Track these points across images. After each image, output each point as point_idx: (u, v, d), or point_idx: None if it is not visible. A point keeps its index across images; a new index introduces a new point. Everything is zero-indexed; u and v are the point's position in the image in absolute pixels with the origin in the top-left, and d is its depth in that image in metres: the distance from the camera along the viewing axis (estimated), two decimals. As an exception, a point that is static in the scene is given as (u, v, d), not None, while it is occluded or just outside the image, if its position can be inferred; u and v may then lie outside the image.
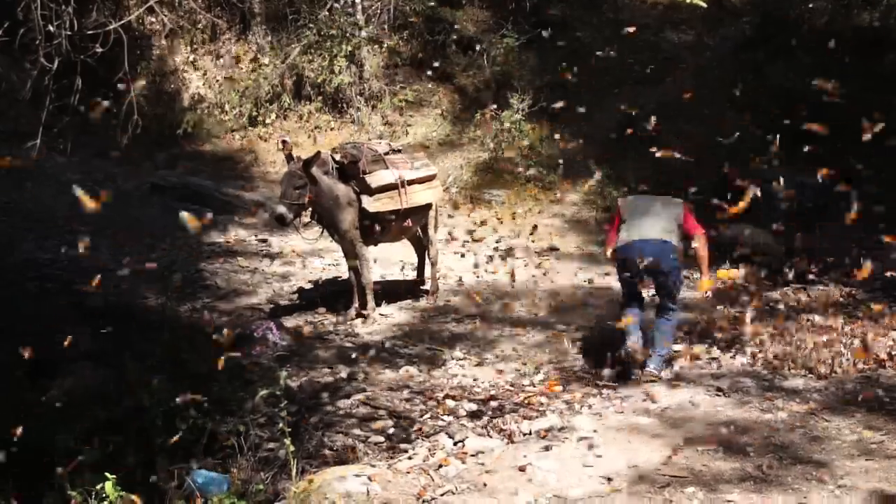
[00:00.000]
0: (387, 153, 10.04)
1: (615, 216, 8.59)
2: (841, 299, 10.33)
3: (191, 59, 16.91)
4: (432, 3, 17.24)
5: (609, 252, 8.47)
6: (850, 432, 6.53)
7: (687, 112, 14.65)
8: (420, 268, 11.08)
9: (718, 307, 9.98)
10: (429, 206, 10.35)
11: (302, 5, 16.85)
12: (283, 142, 9.61)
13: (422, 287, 10.86)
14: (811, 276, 10.98)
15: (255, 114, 16.22)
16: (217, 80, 16.75)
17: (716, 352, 8.65)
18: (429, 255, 10.72)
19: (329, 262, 11.48)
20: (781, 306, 10.12)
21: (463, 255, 12.41)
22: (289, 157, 9.30)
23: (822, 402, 7.12)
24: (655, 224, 8.05)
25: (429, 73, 16.48)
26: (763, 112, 13.99)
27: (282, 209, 9.00)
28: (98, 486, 5.27)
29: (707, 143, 12.31)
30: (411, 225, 10.22)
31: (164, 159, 15.24)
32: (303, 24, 16.68)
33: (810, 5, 16.59)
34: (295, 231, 9.87)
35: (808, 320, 9.37)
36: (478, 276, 11.48)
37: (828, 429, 6.60)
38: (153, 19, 16.63)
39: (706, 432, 6.54)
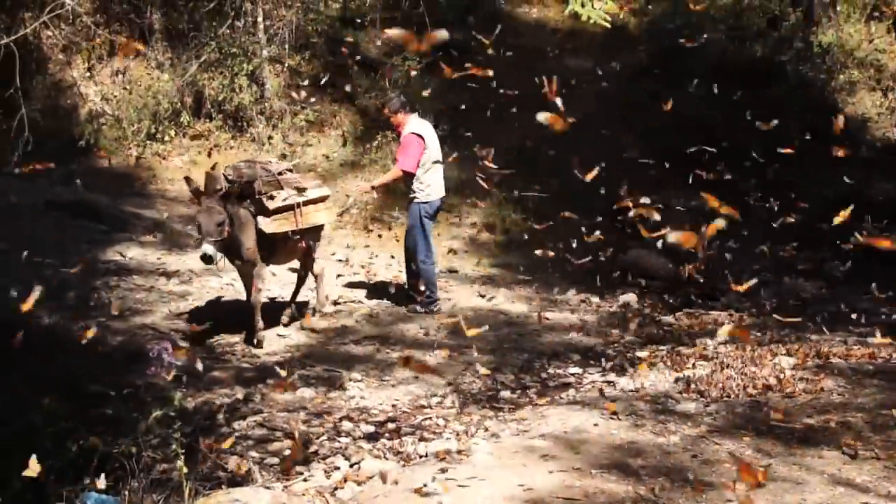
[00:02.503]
0: (280, 173, 9.93)
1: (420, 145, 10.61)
2: (732, 324, 10.54)
3: (87, 74, 16.65)
4: (333, 24, 17.24)
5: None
6: (739, 455, 6.65)
7: (583, 138, 14.84)
8: (298, 288, 10.88)
9: (614, 331, 10.11)
10: (321, 226, 10.37)
11: (203, 22, 16.71)
12: (187, 179, 9.28)
13: (306, 307, 10.83)
14: (702, 301, 11.22)
15: (153, 130, 16.01)
16: (115, 96, 16.50)
17: (611, 375, 8.76)
18: (313, 272, 10.69)
19: (226, 282, 11.37)
20: (675, 331, 10.32)
21: (361, 277, 12.40)
22: (196, 193, 9.00)
23: (714, 426, 7.24)
24: None
25: (329, 89, 16.45)
26: (658, 138, 14.26)
27: (209, 249, 8.68)
28: (-16, 510, 5.15)
29: (604, 169, 12.48)
30: (303, 245, 10.10)
31: (60, 175, 14.96)
32: (204, 42, 16.54)
33: (705, 36, 17.00)
34: (216, 269, 9.56)
35: (700, 344, 9.57)
36: (379, 299, 11.47)
37: (718, 452, 6.71)
38: (49, 33, 16.35)
39: (601, 455, 6.60)
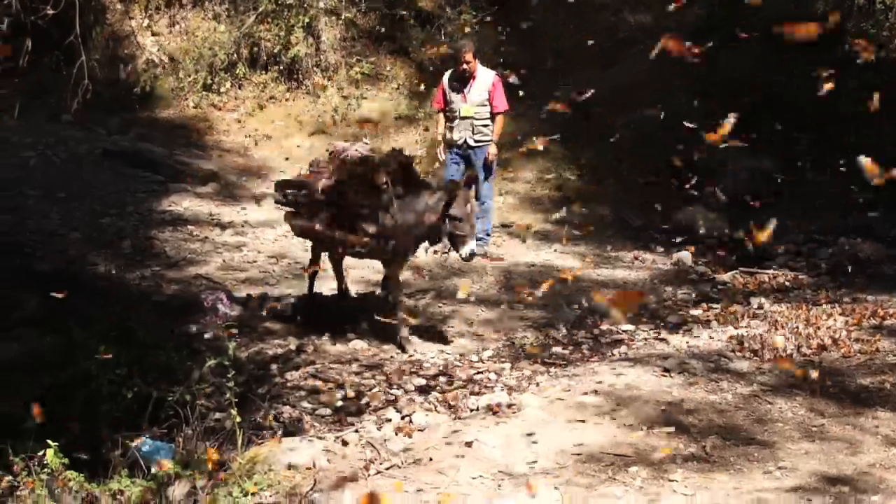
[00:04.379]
0: None
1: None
2: (787, 283, 10.45)
3: (145, 24, 16.72)
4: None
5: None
6: (792, 415, 6.61)
7: (640, 95, 14.70)
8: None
9: (667, 288, 10.06)
10: None
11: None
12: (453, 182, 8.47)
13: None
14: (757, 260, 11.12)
15: (209, 82, 16.07)
16: (172, 47, 16.57)
17: (664, 333, 8.73)
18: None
19: (281, 233, 11.41)
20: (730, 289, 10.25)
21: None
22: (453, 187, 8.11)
23: (767, 385, 7.19)
24: None
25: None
26: (714, 97, 14.07)
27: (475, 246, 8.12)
28: (40, 454, 5.23)
29: (656, 127, 12.38)
30: None
31: (117, 125, 15.09)
32: (261, -7, 16.53)
33: (766, -8, 16.67)
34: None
35: (755, 304, 9.50)
36: (433, 253, 11.47)
37: (770, 411, 6.68)
38: (108, -18, 16.44)
39: (652, 412, 6.58)
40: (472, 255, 8.02)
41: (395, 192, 8.08)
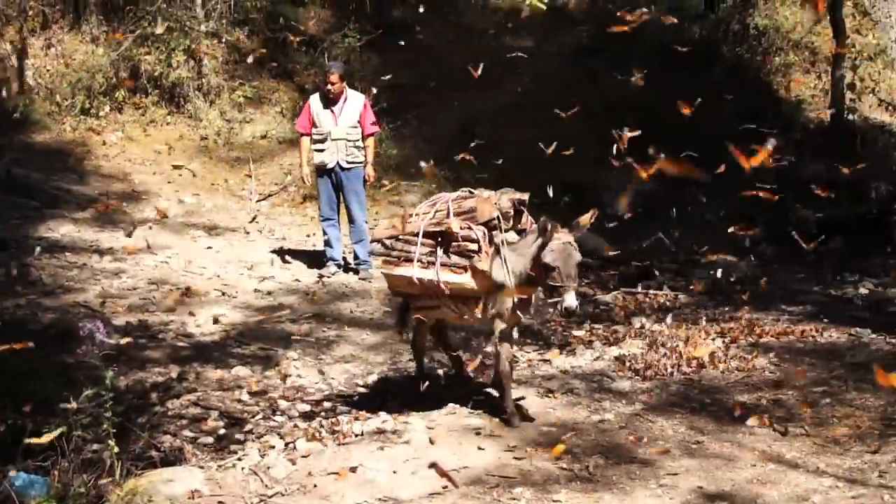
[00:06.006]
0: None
1: None
2: (667, 303, 10.64)
3: (20, 47, 16.35)
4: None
5: None
6: (672, 433, 6.72)
7: (524, 116, 14.87)
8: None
9: (550, 309, 10.15)
10: None
11: (139, -4, 16.47)
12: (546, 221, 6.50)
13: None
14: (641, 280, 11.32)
15: (87, 106, 15.76)
16: (48, 70, 16.22)
17: (547, 354, 8.80)
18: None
19: (161, 260, 11.25)
20: (612, 309, 10.40)
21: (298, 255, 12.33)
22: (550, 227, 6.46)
23: (648, 404, 7.30)
24: None
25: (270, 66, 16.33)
26: (597, 119, 14.30)
27: (576, 300, 6.42)
28: None
29: (543, 147, 12.51)
30: None
31: (-9, 150, 14.73)
32: (140, 16, 16.29)
33: (645, 17, 17.01)
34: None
35: (637, 324, 9.65)
36: (319, 277, 11.39)
37: (652, 430, 6.77)
38: (-20, 5, 16.06)
39: (537, 433, 6.63)
40: (573, 311, 6.39)
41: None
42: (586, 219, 6.59)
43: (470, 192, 7.20)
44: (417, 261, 7.00)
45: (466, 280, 6.80)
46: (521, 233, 6.86)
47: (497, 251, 6.73)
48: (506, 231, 6.83)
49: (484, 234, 6.77)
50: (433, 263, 6.91)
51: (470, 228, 6.80)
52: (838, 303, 10.60)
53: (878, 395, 7.32)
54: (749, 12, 17.72)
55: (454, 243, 6.84)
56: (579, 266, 6.44)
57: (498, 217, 6.80)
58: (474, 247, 6.76)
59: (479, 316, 6.99)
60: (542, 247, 6.43)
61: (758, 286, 10.27)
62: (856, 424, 6.83)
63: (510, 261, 6.68)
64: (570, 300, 6.30)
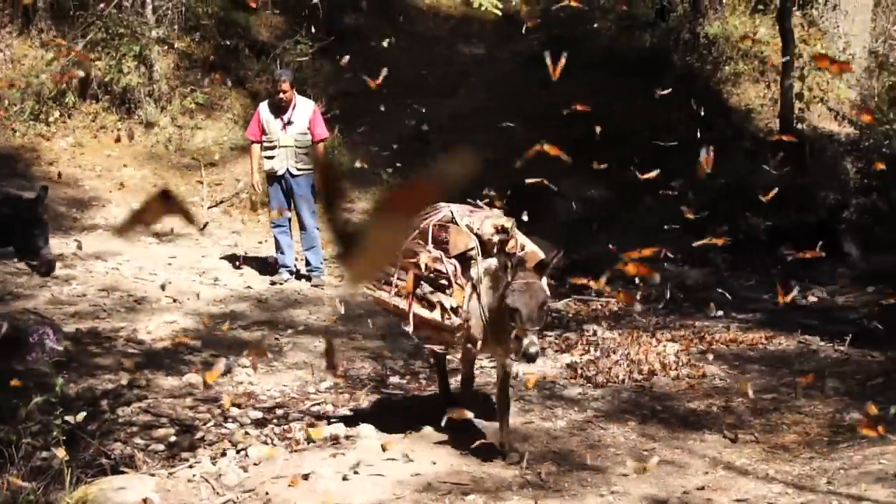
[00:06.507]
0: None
1: None
2: (619, 310, 10.70)
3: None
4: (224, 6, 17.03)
5: None
6: (624, 440, 6.77)
7: (477, 123, 14.91)
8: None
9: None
10: None
11: (89, 1, 16.32)
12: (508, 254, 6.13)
13: None
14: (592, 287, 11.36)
15: (37, 111, 15.61)
16: (-4, 75, 16.06)
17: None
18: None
19: (112, 266, 11.17)
20: (564, 316, 10.45)
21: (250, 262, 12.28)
22: (510, 264, 5.99)
23: (600, 411, 7.35)
24: None
25: (217, 75, 16.23)
26: (548, 126, 14.38)
27: (538, 346, 5.91)
28: None
29: (498, 155, 12.56)
30: None
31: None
32: (90, 21, 16.16)
33: (595, 25, 17.16)
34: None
35: (589, 331, 9.70)
36: (272, 284, 11.35)
37: (604, 437, 6.82)
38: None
39: (489, 440, 6.64)
40: (534, 358, 5.84)
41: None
42: (550, 259, 6.10)
43: (476, 204, 6.87)
44: (395, 286, 6.58)
45: (435, 316, 6.35)
46: (511, 258, 6.06)
47: (473, 286, 6.28)
48: (494, 256, 6.24)
49: (455, 268, 6.29)
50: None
51: (440, 261, 6.33)
52: (787, 310, 10.71)
53: (827, 402, 7.42)
54: (699, 21, 17.85)
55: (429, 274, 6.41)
56: (544, 308, 5.89)
57: (477, 246, 6.32)
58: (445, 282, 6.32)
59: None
60: (507, 286, 5.93)
61: (709, 293, 10.37)
62: (804, 431, 6.93)
63: (484, 296, 6.25)
64: (530, 346, 5.73)
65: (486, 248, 6.32)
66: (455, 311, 6.26)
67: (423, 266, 6.37)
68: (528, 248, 6.39)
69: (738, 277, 12.05)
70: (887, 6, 19.05)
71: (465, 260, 6.35)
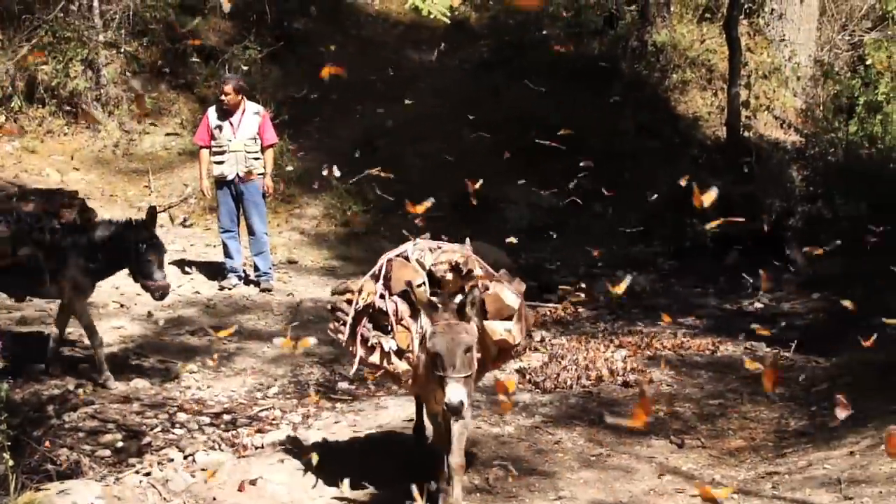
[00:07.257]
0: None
1: None
2: (568, 317, 10.76)
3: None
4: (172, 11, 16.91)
5: None
6: (572, 445, 6.81)
7: (426, 130, 14.94)
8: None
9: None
10: None
11: (35, 4, 16.16)
12: (409, 283, 5.60)
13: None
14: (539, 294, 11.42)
15: (-18, 115, 15.43)
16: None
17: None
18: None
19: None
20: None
21: (198, 267, 12.21)
22: (428, 303, 5.52)
23: (548, 417, 7.38)
24: None
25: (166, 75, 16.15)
26: (497, 132, 14.44)
27: (461, 394, 5.15)
28: None
29: (445, 161, 12.62)
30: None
31: None
32: (36, 25, 16.00)
33: (544, 32, 17.26)
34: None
35: (538, 337, 9.73)
36: (220, 289, 11.29)
37: (551, 442, 6.86)
38: None
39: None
40: (457, 409, 5.12)
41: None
42: (465, 301, 5.41)
43: (443, 239, 6.30)
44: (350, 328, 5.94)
45: (374, 360, 5.79)
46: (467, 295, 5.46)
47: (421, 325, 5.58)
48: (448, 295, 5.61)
49: (396, 308, 5.72)
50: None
51: (382, 298, 5.77)
52: (734, 316, 10.82)
53: (772, 407, 7.52)
54: (647, 30, 18.00)
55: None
56: (467, 353, 5.29)
57: (425, 283, 5.69)
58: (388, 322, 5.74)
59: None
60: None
61: (656, 299, 10.46)
62: (750, 436, 7.01)
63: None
64: (453, 394, 5.12)
65: (441, 286, 5.73)
66: (400, 354, 5.69)
67: (366, 304, 5.84)
68: (494, 289, 5.84)
69: (684, 284, 12.16)
70: (832, 16, 19.34)
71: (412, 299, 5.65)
